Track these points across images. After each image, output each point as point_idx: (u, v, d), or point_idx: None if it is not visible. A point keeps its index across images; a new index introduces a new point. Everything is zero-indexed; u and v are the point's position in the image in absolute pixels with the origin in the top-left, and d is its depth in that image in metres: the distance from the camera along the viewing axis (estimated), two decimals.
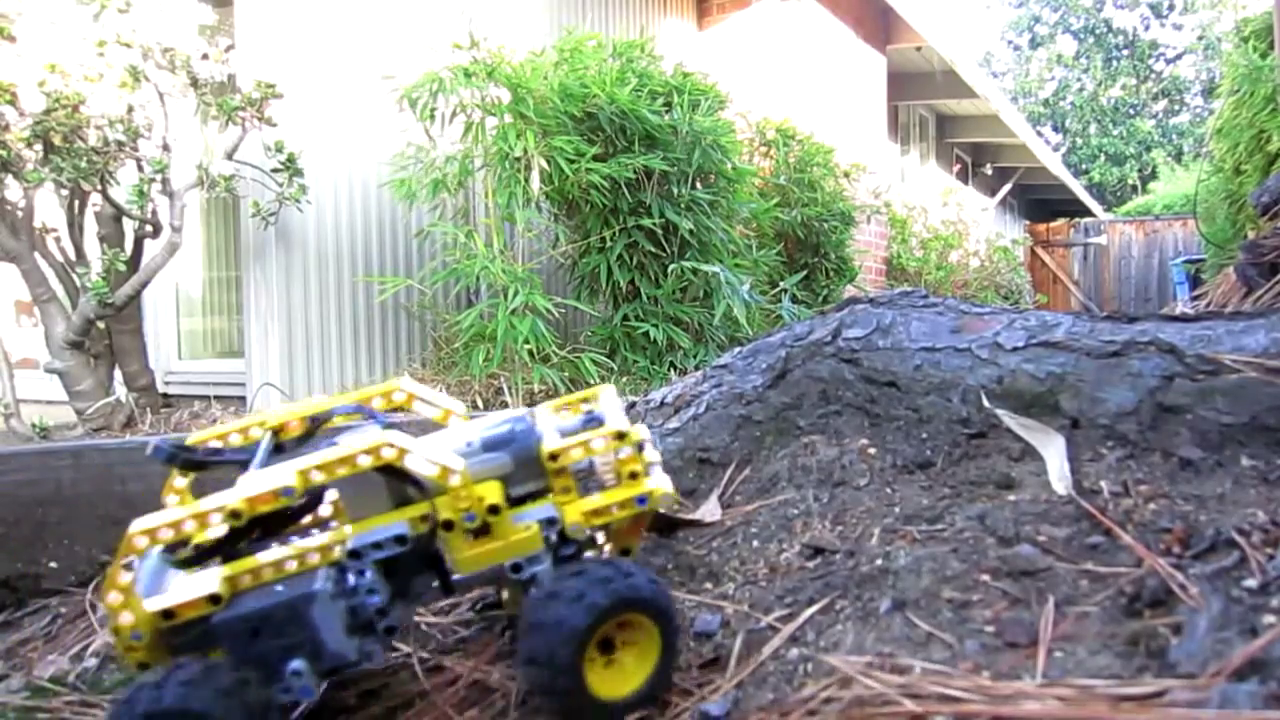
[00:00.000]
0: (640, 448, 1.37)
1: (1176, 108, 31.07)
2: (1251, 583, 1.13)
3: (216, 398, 5.29)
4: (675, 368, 5.19)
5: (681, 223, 5.24)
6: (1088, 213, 19.35)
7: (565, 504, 1.35)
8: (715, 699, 1.22)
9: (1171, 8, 30.42)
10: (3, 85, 3.93)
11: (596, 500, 1.35)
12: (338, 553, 1.26)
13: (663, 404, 2.17)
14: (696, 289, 5.41)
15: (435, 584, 1.34)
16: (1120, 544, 1.30)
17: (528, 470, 1.36)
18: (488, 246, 4.84)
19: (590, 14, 7.20)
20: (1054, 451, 1.57)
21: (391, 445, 1.24)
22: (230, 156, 4.63)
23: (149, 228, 4.57)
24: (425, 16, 5.55)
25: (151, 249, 4.61)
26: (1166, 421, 1.55)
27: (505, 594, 1.51)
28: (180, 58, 4.31)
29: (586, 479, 1.41)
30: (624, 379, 5.03)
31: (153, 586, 1.26)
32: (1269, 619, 1.05)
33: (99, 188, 4.29)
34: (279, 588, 1.24)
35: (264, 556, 1.25)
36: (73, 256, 4.53)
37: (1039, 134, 19.63)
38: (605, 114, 5.02)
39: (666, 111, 5.30)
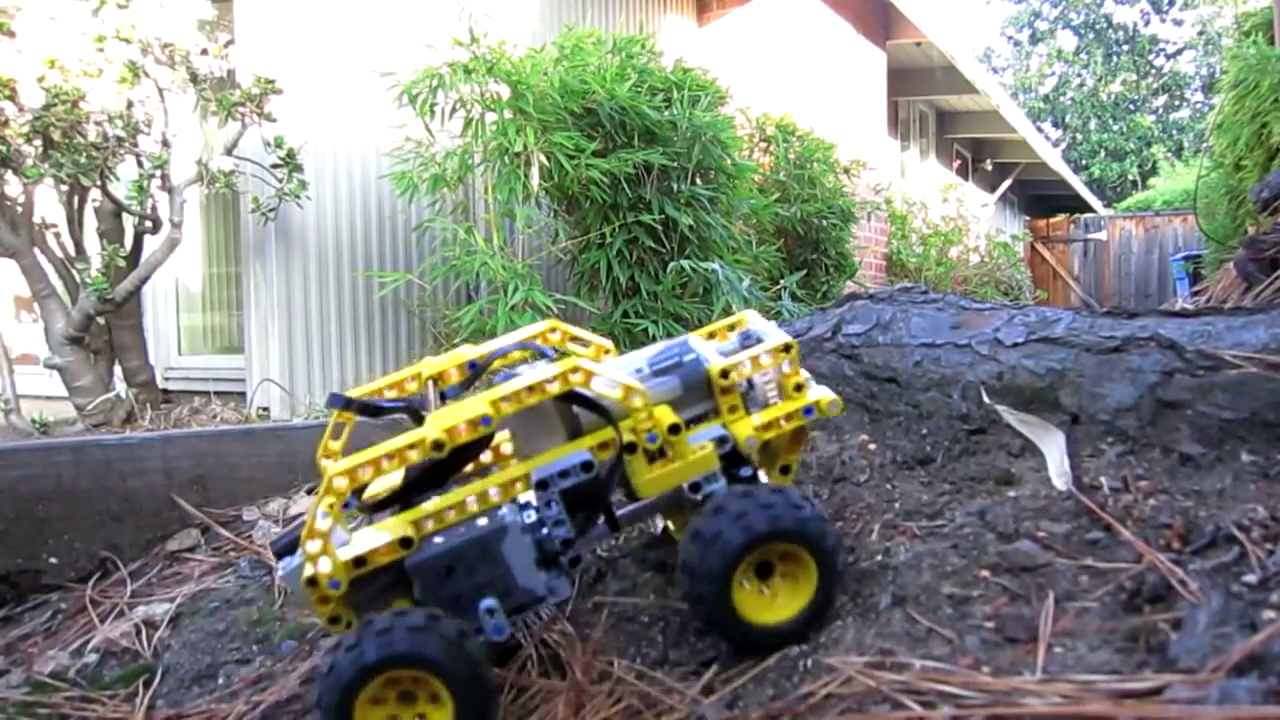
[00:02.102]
0: (801, 360, 1.41)
1: (1177, 103, 31.03)
2: (1251, 578, 1.13)
3: (216, 393, 5.29)
4: None
5: (681, 219, 5.24)
6: (1088, 208, 19.33)
7: (734, 422, 1.37)
8: (714, 697, 1.22)
9: (1172, 3, 30.38)
10: (2, 80, 3.92)
11: (765, 415, 1.38)
12: (519, 488, 1.29)
13: None
14: (696, 285, 5.40)
15: (602, 521, 1.36)
16: (1120, 540, 1.30)
17: (695, 394, 1.39)
18: (487, 242, 4.83)
19: (591, 10, 7.18)
20: (1054, 447, 1.57)
21: (579, 369, 1.26)
22: (230, 152, 4.62)
23: (149, 223, 4.56)
24: (425, 12, 5.53)
25: (151, 245, 4.60)
26: (1166, 417, 1.55)
27: (672, 525, 1.51)
28: (180, 53, 4.31)
29: (745, 403, 1.42)
30: None
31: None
32: (1269, 614, 1.05)
33: (99, 183, 4.29)
34: (465, 527, 1.26)
35: (446, 499, 1.26)
36: (72, 252, 4.53)
37: (1039, 129, 19.61)
38: (605, 110, 5.01)
39: (666, 107, 5.29)
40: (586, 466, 1.29)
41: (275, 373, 4.96)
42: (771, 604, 1.28)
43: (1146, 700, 0.97)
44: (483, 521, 1.26)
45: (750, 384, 1.41)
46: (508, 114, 4.81)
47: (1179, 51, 31.05)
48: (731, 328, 1.55)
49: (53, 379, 4.56)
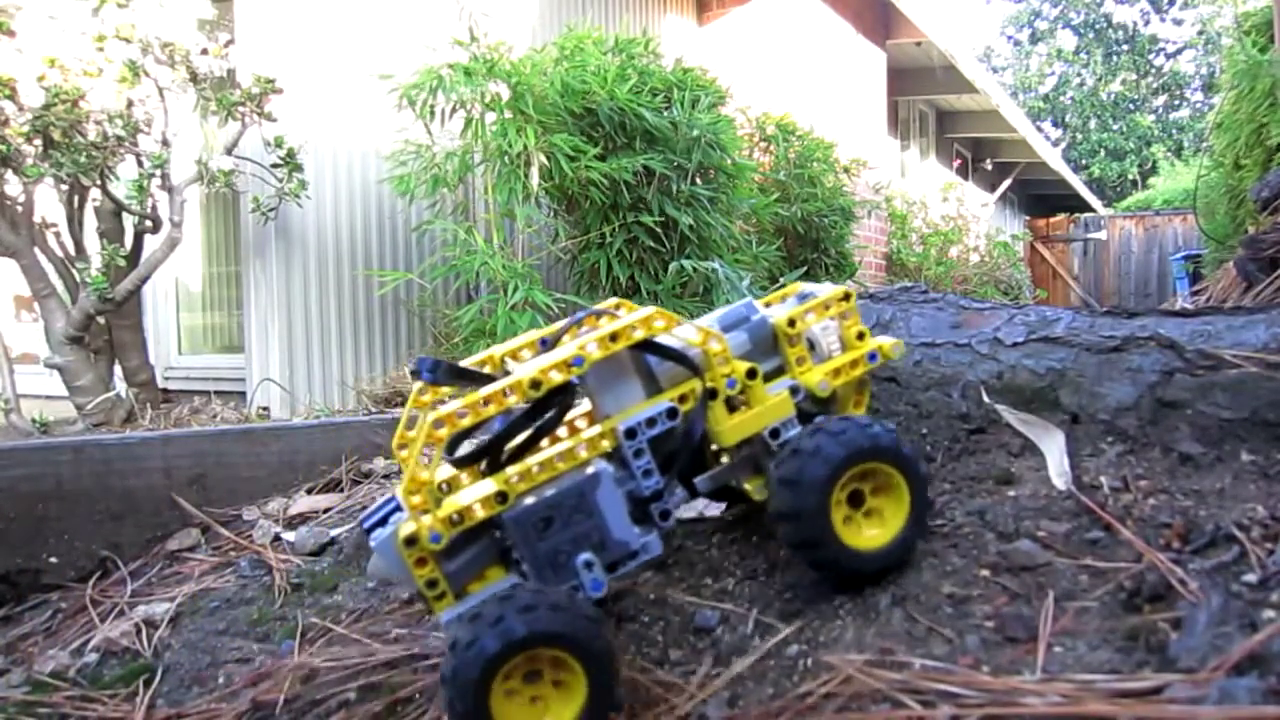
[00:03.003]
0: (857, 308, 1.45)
1: (1176, 103, 31.04)
2: (1251, 578, 1.13)
3: (216, 393, 5.29)
4: None
5: (681, 218, 5.24)
6: (1088, 208, 19.34)
7: (803, 373, 1.42)
8: (714, 695, 1.22)
9: (1172, 2, 30.39)
10: (3, 80, 3.92)
11: (833, 361, 1.43)
12: (606, 443, 1.31)
13: None
14: (696, 285, 5.40)
15: (681, 491, 1.38)
16: (1120, 539, 1.30)
17: (762, 349, 1.43)
18: (487, 242, 4.83)
19: (591, 10, 7.18)
20: (1054, 447, 1.57)
21: (662, 316, 1.29)
22: (230, 152, 4.62)
23: (149, 223, 4.56)
24: (425, 12, 5.54)
25: (151, 244, 4.60)
26: (1166, 417, 1.55)
27: (749, 487, 1.52)
28: (180, 53, 4.31)
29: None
30: None
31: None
32: (1269, 614, 1.05)
33: (99, 183, 4.29)
34: (559, 480, 1.28)
35: (535, 456, 1.28)
36: (72, 252, 4.53)
37: (1039, 129, 19.60)
38: (605, 110, 5.02)
39: (666, 108, 5.29)
40: (672, 414, 1.32)
41: (275, 372, 4.96)
42: (873, 526, 1.33)
43: (1146, 700, 0.97)
44: (572, 475, 1.29)
45: (812, 344, 1.45)
46: (507, 114, 4.81)
47: (1179, 51, 31.06)
48: (784, 298, 1.59)
49: (53, 378, 4.56)
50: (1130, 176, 28.67)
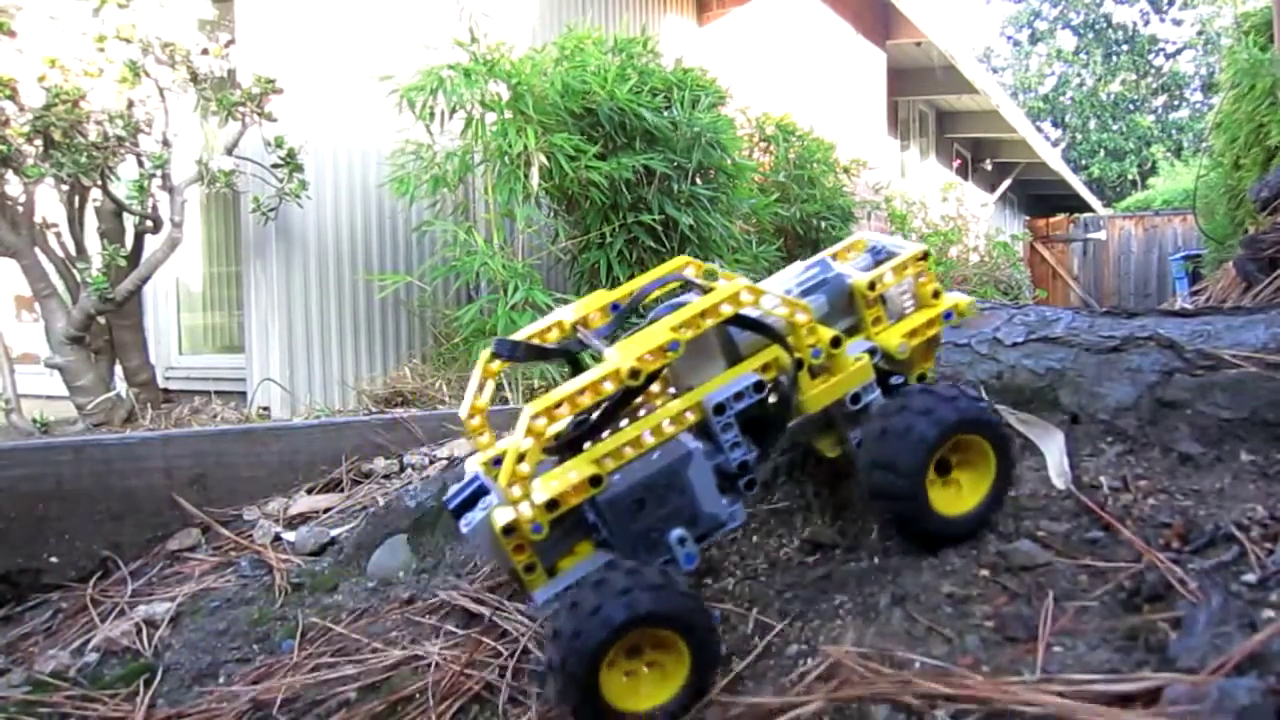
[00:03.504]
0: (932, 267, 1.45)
1: (1176, 103, 31.03)
2: (1250, 577, 1.13)
3: (217, 393, 5.29)
4: None
5: (681, 218, 5.24)
6: (1087, 208, 19.34)
7: (879, 333, 1.42)
8: (715, 693, 1.22)
9: (1171, 3, 30.38)
10: (3, 80, 3.92)
11: (908, 323, 1.44)
12: (692, 416, 1.31)
13: None
14: None
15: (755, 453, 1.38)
16: (1120, 539, 1.30)
17: (840, 310, 1.43)
18: (487, 242, 4.83)
19: (591, 10, 7.18)
20: (1053, 447, 1.57)
21: (750, 290, 1.28)
22: (230, 152, 4.62)
23: (149, 223, 4.56)
24: (425, 12, 5.53)
25: (152, 244, 4.60)
26: (1166, 417, 1.55)
27: (821, 445, 1.54)
28: (180, 53, 4.31)
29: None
30: None
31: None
32: (1268, 614, 1.05)
33: (99, 183, 4.29)
34: (652, 458, 1.28)
35: (621, 436, 1.28)
36: (73, 252, 4.53)
37: (1039, 129, 19.61)
38: (605, 110, 5.02)
39: (666, 108, 5.29)
40: (758, 387, 1.32)
41: (275, 372, 4.96)
42: (960, 493, 1.36)
43: (1144, 700, 0.97)
44: (666, 452, 1.29)
45: (883, 298, 1.45)
46: (508, 114, 4.81)
47: (1178, 51, 31.06)
48: (850, 250, 1.59)
49: (53, 378, 4.56)
50: (1130, 177, 28.66)
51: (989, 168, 15.84)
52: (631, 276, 5.20)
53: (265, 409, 4.94)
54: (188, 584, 2.05)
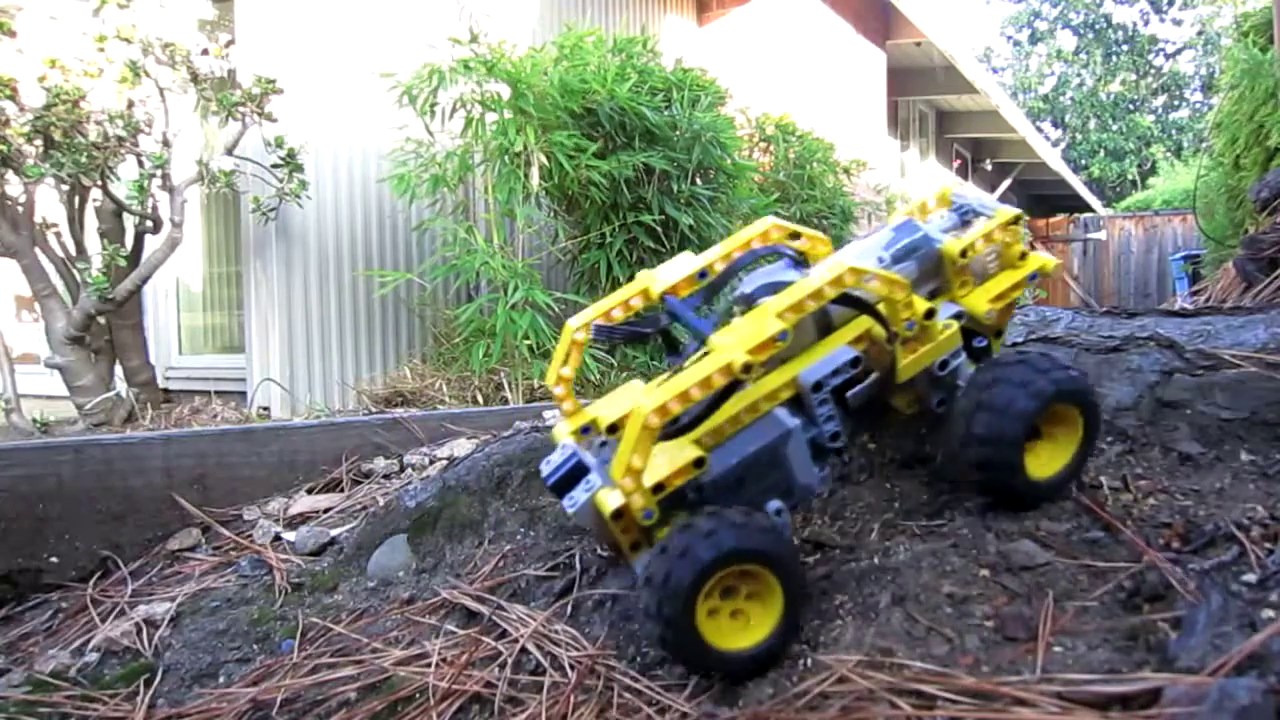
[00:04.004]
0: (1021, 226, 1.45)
1: (1176, 103, 31.04)
2: (1250, 577, 1.13)
3: (217, 393, 5.29)
4: None
5: (681, 218, 5.24)
6: (1087, 208, 19.34)
7: (966, 297, 1.42)
8: (715, 695, 1.22)
9: (1171, 3, 30.38)
10: (3, 80, 3.93)
11: (995, 285, 1.43)
12: (787, 392, 1.32)
13: None
14: None
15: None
16: (1120, 539, 1.30)
17: (928, 274, 1.43)
18: (487, 242, 4.83)
19: (591, 10, 7.19)
20: None
21: (854, 272, 1.27)
22: (230, 152, 4.62)
23: (149, 223, 4.56)
24: (425, 12, 5.54)
25: (152, 244, 4.61)
26: (1166, 416, 1.55)
27: (899, 402, 1.53)
28: (180, 53, 4.31)
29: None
30: (624, 374, 5.03)
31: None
32: (1268, 613, 1.05)
33: (99, 183, 4.29)
34: (750, 435, 1.30)
35: (719, 415, 1.29)
36: (73, 252, 4.53)
37: (1039, 129, 19.61)
38: (605, 110, 5.02)
39: (666, 107, 5.30)
40: (854, 363, 1.33)
41: (276, 372, 4.96)
42: (1050, 457, 1.37)
43: (1143, 700, 0.97)
44: (760, 429, 1.30)
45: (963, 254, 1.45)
46: (508, 114, 4.81)
47: (1178, 51, 31.07)
48: (936, 202, 1.57)
49: (53, 378, 4.56)
50: (1130, 177, 28.66)
51: (989, 168, 15.84)
52: (631, 277, 5.24)
53: (265, 409, 4.94)
54: (188, 584, 2.05)
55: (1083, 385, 1.34)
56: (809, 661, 1.22)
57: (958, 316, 1.40)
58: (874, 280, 1.28)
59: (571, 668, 1.36)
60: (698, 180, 5.50)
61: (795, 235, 1.49)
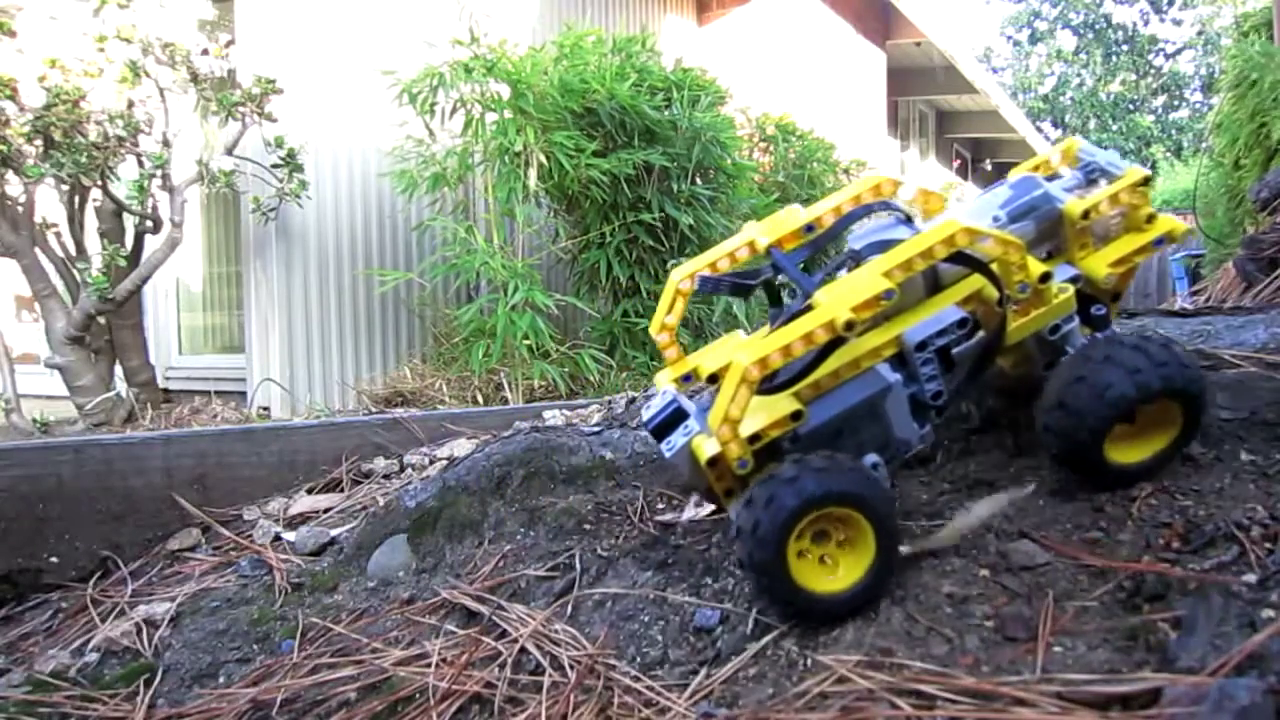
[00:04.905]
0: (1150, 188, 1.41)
1: (1176, 103, 31.04)
2: (1250, 577, 1.13)
3: (217, 393, 5.29)
4: None
5: (681, 218, 5.24)
6: None
7: (1084, 259, 1.37)
8: (714, 695, 1.22)
9: (1171, 3, 30.38)
10: (3, 80, 3.93)
11: (1117, 249, 1.39)
12: (889, 350, 1.31)
13: None
14: None
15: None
16: (1120, 539, 1.30)
17: (1045, 234, 1.39)
18: (487, 242, 4.83)
19: (590, 10, 7.19)
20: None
21: (968, 231, 1.24)
22: (230, 152, 4.62)
23: (149, 223, 4.57)
24: (425, 12, 5.54)
25: (152, 244, 4.61)
26: None
27: (1001, 359, 1.50)
28: (180, 53, 4.31)
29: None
30: (623, 374, 5.03)
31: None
32: (1268, 613, 1.05)
33: (99, 183, 4.29)
34: (850, 389, 1.29)
35: (820, 368, 1.28)
36: (73, 252, 4.53)
37: (1039, 129, 19.59)
38: (605, 109, 5.02)
39: (666, 107, 5.30)
40: (962, 324, 1.31)
41: (275, 372, 4.96)
42: (1134, 446, 1.34)
43: (1144, 703, 0.97)
44: (860, 383, 1.30)
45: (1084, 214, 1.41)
46: (508, 113, 4.81)
47: (1178, 51, 31.06)
48: (1060, 157, 1.52)
49: (53, 378, 4.57)
50: None
51: (989, 168, 15.84)
52: (632, 276, 5.27)
53: (265, 409, 4.95)
54: (188, 584, 2.05)
55: (1193, 385, 1.29)
56: (809, 661, 1.22)
57: (1074, 280, 1.36)
58: (988, 240, 1.25)
59: (571, 668, 1.36)
60: (698, 180, 5.50)
61: (908, 190, 1.47)
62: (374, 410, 4.62)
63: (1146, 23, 30.99)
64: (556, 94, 4.92)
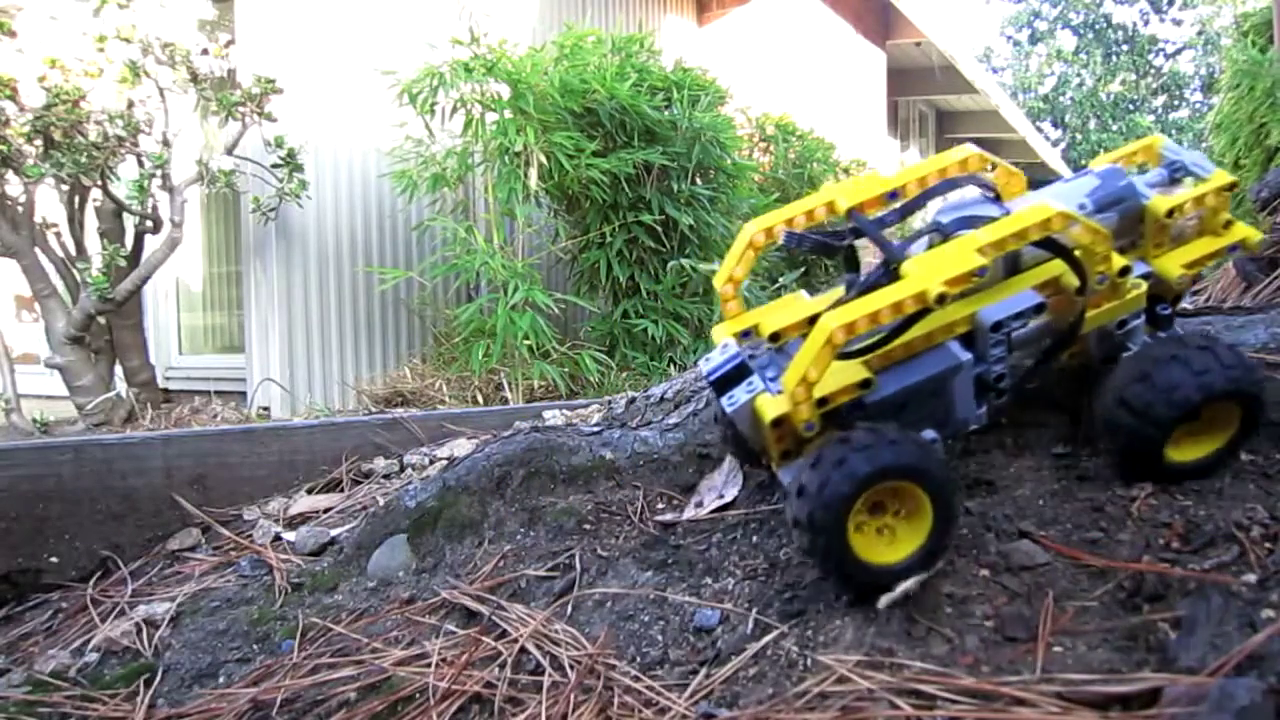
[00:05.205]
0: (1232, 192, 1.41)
1: (1176, 103, 31.02)
2: (1251, 578, 1.13)
3: (217, 393, 5.30)
4: (675, 363, 5.19)
5: (681, 218, 5.24)
6: None
7: (1159, 258, 1.36)
8: (714, 695, 1.22)
9: (1171, 3, 30.38)
10: (3, 80, 3.93)
11: (1191, 252, 1.38)
12: (962, 327, 1.30)
13: (663, 399, 2.18)
14: (696, 284, 5.41)
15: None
16: (1120, 539, 1.30)
17: (1125, 228, 1.38)
18: (487, 242, 4.84)
19: (590, 10, 7.19)
20: None
21: (1064, 215, 1.23)
22: (230, 152, 4.63)
23: (149, 223, 4.57)
24: (425, 12, 5.54)
25: (152, 244, 4.61)
26: None
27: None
28: (180, 53, 4.31)
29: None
30: (624, 375, 5.03)
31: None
32: (1268, 613, 1.05)
33: (99, 183, 4.29)
34: (918, 363, 1.29)
35: (897, 339, 1.27)
36: (73, 252, 4.53)
37: (1039, 129, 19.61)
38: (605, 109, 5.02)
39: (666, 107, 5.30)
40: (1039, 309, 1.30)
41: (275, 372, 4.97)
42: (1194, 445, 1.33)
43: (1144, 703, 0.97)
44: (931, 358, 1.30)
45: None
46: (508, 113, 4.81)
47: (1178, 51, 31.05)
48: (1137, 153, 1.52)
49: (53, 378, 4.57)
50: None
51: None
52: (632, 276, 5.27)
53: (265, 409, 4.95)
54: (188, 584, 2.05)
55: (1256, 388, 1.29)
56: (809, 661, 1.22)
57: (1146, 277, 1.35)
58: (1079, 227, 1.25)
59: (571, 668, 1.36)
60: (698, 180, 5.50)
61: (993, 166, 1.46)
62: (374, 410, 4.62)
63: (1146, 23, 30.98)
64: (556, 94, 4.92)
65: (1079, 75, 31.12)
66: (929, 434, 1.29)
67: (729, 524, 1.68)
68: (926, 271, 1.19)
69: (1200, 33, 29.76)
